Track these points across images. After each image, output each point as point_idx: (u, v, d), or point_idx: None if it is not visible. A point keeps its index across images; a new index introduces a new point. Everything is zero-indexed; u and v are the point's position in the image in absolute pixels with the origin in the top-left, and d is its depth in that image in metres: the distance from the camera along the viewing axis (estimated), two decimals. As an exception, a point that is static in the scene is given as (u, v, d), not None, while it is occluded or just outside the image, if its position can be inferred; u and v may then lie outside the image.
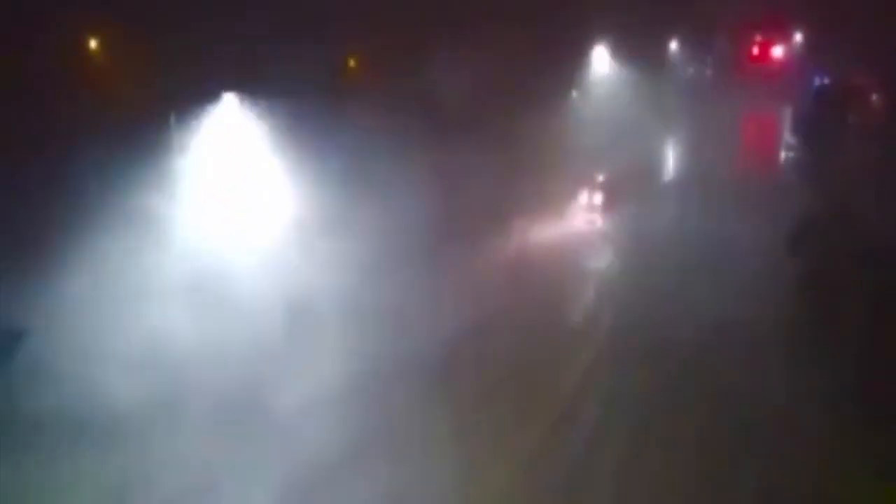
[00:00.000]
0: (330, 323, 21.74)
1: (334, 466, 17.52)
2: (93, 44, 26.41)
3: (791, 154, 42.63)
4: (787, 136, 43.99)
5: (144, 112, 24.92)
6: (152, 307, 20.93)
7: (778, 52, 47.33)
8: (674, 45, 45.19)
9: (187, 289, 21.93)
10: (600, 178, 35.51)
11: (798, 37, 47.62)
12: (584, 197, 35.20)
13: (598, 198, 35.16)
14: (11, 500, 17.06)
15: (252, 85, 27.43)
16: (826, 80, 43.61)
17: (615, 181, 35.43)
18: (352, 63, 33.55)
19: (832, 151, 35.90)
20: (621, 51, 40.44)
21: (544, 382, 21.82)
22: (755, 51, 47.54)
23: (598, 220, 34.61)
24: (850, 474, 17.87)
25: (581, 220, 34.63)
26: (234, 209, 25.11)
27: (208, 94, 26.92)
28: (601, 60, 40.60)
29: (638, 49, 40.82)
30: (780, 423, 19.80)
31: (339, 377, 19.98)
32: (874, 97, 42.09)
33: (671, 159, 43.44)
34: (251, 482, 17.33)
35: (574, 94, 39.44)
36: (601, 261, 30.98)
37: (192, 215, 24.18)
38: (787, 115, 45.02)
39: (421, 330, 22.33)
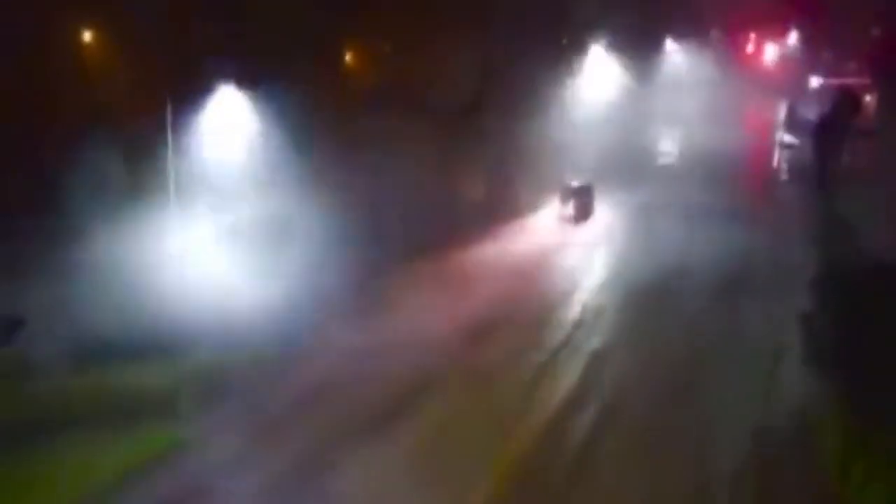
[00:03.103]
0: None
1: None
2: (87, 37, 26.14)
3: (788, 153, 42.70)
4: (783, 135, 43.99)
5: (141, 106, 24.80)
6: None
7: (772, 50, 47.27)
8: (669, 43, 45.02)
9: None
10: (577, 180, 35.48)
11: (793, 35, 47.53)
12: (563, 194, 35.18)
13: (575, 198, 35.08)
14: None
15: (250, 79, 27.33)
16: (824, 80, 43.59)
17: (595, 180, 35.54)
18: (349, 57, 33.35)
19: (837, 152, 35.97)
20: (617, 48, 40.28)
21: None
22: (750, 49, 47.46)
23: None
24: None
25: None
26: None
27: (206, 89, 26.80)
28: (597, 58, 40.42)
29: (634, 47, 40.70)
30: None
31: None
32: (868, 98, 42.12)
33: (662, 157, 43.33)
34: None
35: (568, 91, 39.21)
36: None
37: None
38: (782, 114, 44.93)
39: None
